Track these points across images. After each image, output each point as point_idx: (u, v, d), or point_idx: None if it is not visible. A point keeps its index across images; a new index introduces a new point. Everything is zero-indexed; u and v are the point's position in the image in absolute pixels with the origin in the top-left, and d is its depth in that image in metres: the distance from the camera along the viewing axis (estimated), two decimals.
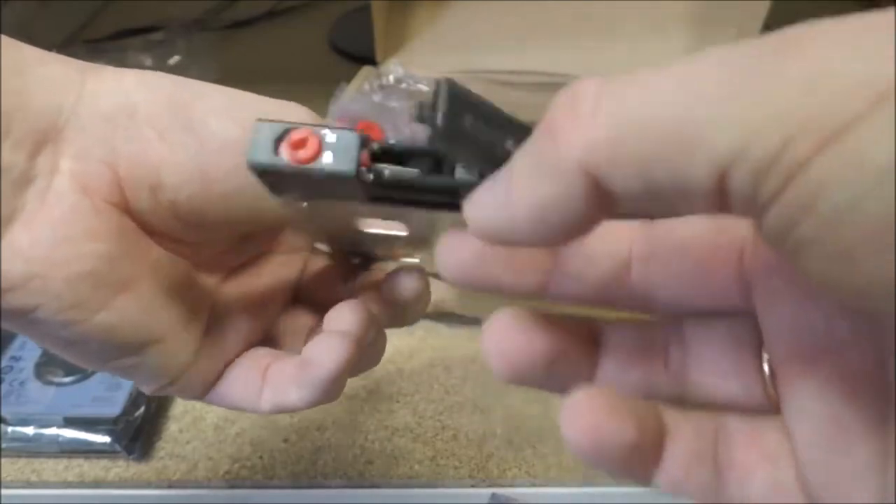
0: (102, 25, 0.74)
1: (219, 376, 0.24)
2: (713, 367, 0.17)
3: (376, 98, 0.54)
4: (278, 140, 0.17)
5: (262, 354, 0.24)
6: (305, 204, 0.20)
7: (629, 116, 0.12)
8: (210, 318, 0.23)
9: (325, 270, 0.28)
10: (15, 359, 0.43)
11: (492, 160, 0.15)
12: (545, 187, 0.13)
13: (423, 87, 0.56)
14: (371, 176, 0.17)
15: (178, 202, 0.21)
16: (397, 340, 0.46)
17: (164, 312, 0.22)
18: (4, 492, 0.39)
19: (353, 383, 0.43)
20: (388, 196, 0.18)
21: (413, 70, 0.57)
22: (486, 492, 0.38)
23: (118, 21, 0.73)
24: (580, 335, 0.17)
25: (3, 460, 0.40)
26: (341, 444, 0.40)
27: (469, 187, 0.15)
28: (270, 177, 0.17)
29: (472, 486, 0.38)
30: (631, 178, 0.12)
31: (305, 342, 0.25)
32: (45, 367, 0.43)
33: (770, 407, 0.17)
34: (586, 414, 0.15)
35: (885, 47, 0.10)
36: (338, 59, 0.70)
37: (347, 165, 0.17)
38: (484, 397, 0.42)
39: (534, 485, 0.38)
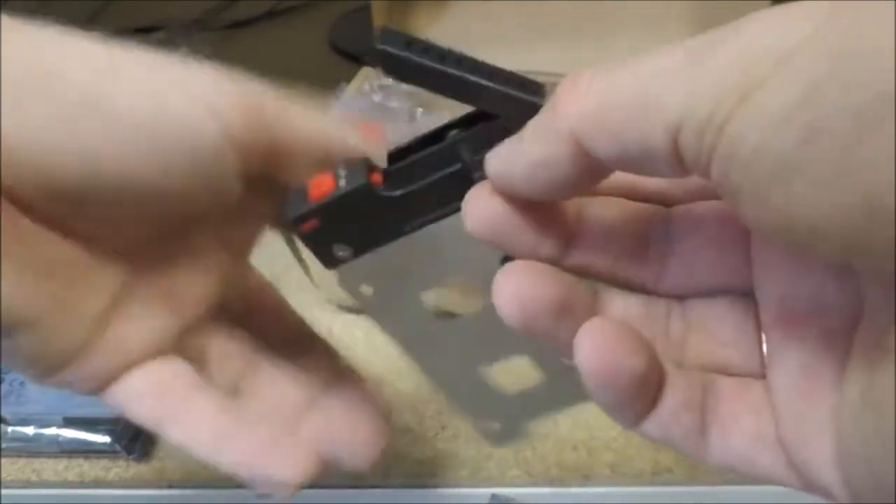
0: (102, 25, 0.74)
1: (117, 375, 0.22)
2: (714, 338, 0.18)
3: (376, 98, 0.54)
4: (305, 193, 0.20)
5: (175, 371, 0.23)
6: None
7: (610, 92, 0.14)
8: (112, 309, 0.22)
9: (271, 300, 0.27)
10: None
11: (445, 90, 0.17)
12: (541, 148, 0.15)
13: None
14: (383, 186, 0.19)
15: (43, 179, 0.18)
16: None
17: (34, 294, 0.20)
18: (4, 492, 0.39)
19: None
20: (412, 205, 0.19)
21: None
22: (486, 492, 0.38)
23: (118, 21, 0.73)
24: (586, 298, 0.18)
25: (3, 460, 0.40)
26: None
27: (474, 161, 0.18)
28: (308, 226, 0.20)
29: (472, 486, 0.38)
30: (608, 145, 0.14)
31: (242, 374, 0.25)
32: None
33: (763, 376, 0.17)
34: (605, 338, 0.16)
35: (793, 22, 0.12)
36: (338, 59, 0.69)
37: (358, 181, 0.19)
38: None
39: (534, 485, 0.38)
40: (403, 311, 0.22)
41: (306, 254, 0.45)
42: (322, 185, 0.19)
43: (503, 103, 0.18)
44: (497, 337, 0.23)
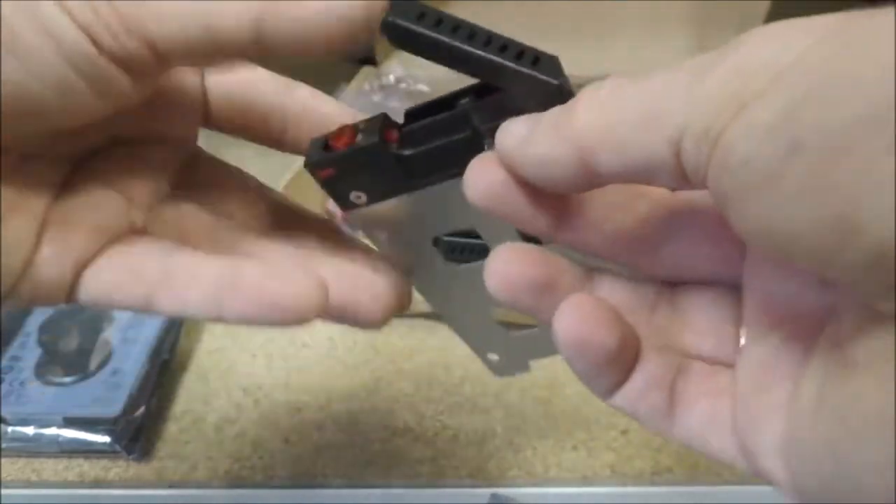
0: None
1: (76, 276, 0.20)
2: (695, 326, 0.19)
3: (376, 98, 0.54)
4: (325, 143, 0.21)
5: (143, 246, 0.21)
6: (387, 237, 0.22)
7: (615, 110, 0.15)
8: (50, 211, 0.20)
9: (237, 183, 0.25)
10: (15, 359, 0.43)
11: (456, 64, 0.18)
12: (550, 147, 0.16)
13: (424, 88, 0.56)
14: (396, 145, 0.20)
15: None
16: (397, 340, 0.46)
17: None
18: (4, 492, 0.39)
19: (353, 383, 0.43)
20: (422, 164, 0.20)
21: (413, 70, 0.57)
22: (486, 492, 0.38)
23: None
24: (575, 275, 0.19)
25: (3, 460, 0.40)
26: (341, 444, 0.40)
27: (485, 122, 0.19)
28: (325, 174, 0.21)
29: (472, 486, 0.38)
30: (612, 160, 0.15)
31: (208, 243, 0.22)
32: (45, 367, 0.43)
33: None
34: (581, 312, 0.17)
35: (791, 39, 0.12)
36: (338, 59, 0.70)
37: (373, 139, 0.20)
38: (484, 397, 0.42)
39: (534, 485, 0.38)
40: (416, 255, 0.23)
41: None
42: (341, 137, 0.20)
43: (515, 80, 0.18)
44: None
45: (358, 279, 0.22)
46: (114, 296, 0.21)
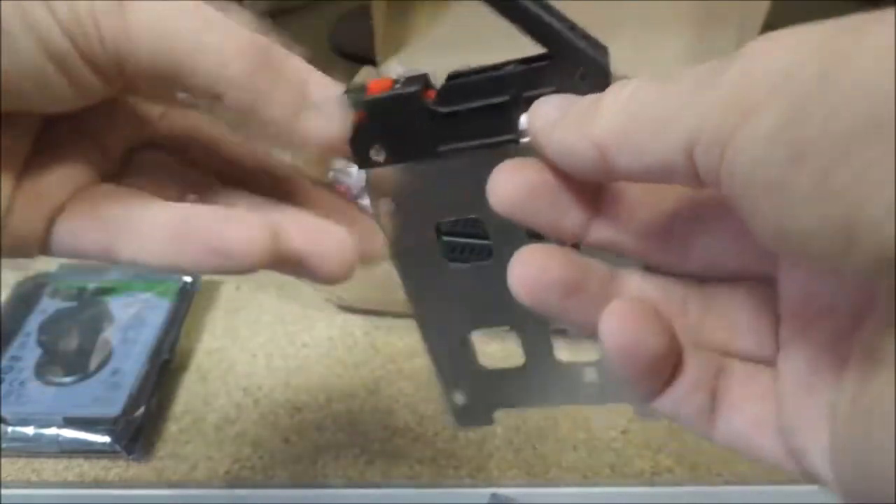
0: None
1: (48, 226, 0.20)
2: (730, 323, 0.19)
3: None
4: (363, 90, 0.20)
5: (104, 193, 0.21)
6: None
7: (636, 113, 0.15)
8: (26, 164, 0.20)
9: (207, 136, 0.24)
10: (15, 359, 0.43)
11: (512, 16, 0.18)
12: (573, 138, 0.16)
13: None
14: (433, 101, 0.20)
15: None
16: (397, 340, 0.46)
17: None
18: (4, 492, 0.39)
19: (353, 383, 0.43)
20: (452, 125, 0.20)
21: (413, 70, 0.57)
22: (486, 492, 0.38)
23: None
24: (602, 275, 0.19)
25: (3, 460, 0.40)
26: (341, 444, 0.40)
27: (519, 85, 0.19)
28: (357, 118, 0.20)
29: (472, 486, 0.38)
30: (630, 161, 0.15)
31: (175, 192, 0.22)
32: (45, 367, 0.43)
33: (773, 364, 0.18)
34: (630, 316, 0.17)
35: (793, 46, 0.13)
36: (338, 59, 0.70)
37: (412, 88, 0.20)
38: None
39: (534, 485, 0.38)
40: (416, 240, 0.22)
41: None
42: (378, 87, 0.20)
43: (565, 48, 0.18)
44: (496, 297, 0.22)
45: (322, 233, 0.22)
46: (79, 244, 0.21)
